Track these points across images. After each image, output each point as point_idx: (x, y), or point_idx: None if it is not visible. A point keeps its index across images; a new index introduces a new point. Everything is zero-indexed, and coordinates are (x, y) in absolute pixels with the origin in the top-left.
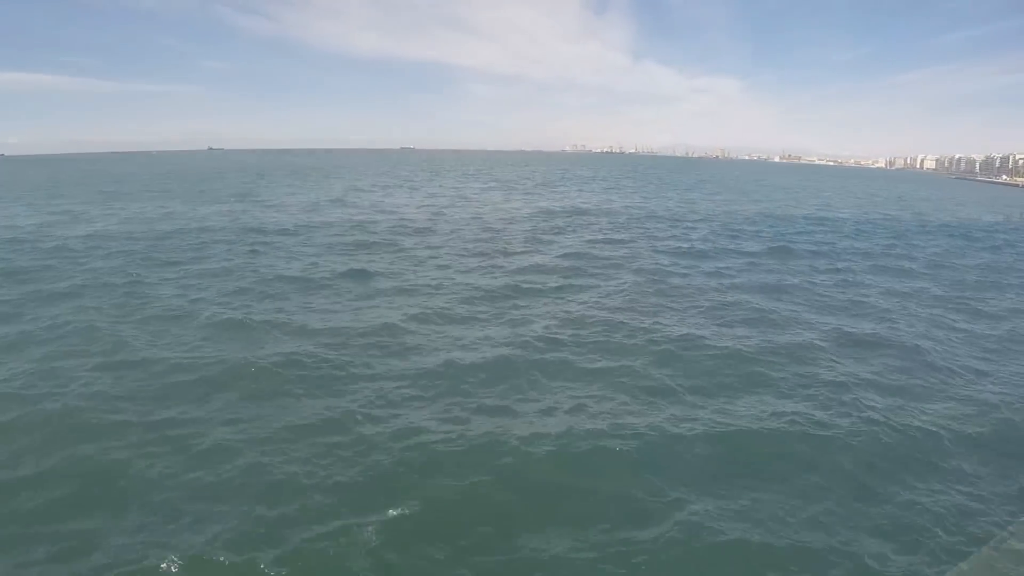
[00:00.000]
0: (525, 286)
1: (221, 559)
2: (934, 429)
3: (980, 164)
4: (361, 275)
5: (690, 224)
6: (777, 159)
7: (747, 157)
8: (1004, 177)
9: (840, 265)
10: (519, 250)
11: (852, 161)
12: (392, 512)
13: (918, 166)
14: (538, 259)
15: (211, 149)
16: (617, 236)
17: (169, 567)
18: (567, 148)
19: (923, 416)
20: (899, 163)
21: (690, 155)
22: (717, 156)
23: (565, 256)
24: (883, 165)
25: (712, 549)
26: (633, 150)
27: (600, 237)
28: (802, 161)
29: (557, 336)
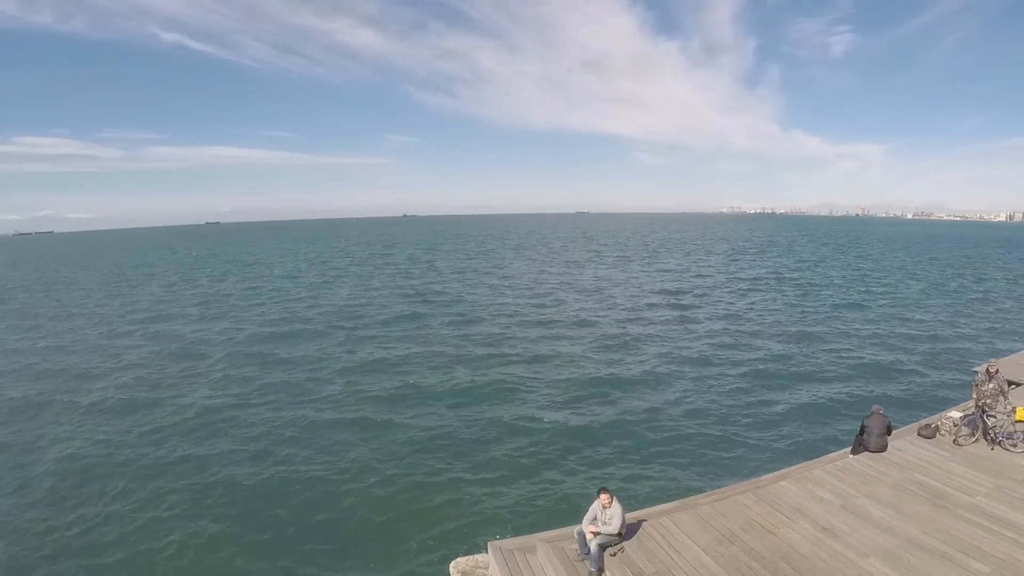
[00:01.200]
0: None
1: None
2: None
3: None
4: None
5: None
6: (910, 216)
7: (884, 215)
8: None
9: None
10: None
11: (977, 216)
12: None
13: None
14: None
15: (406, 216)
16: None
17: None
18: (724, 210)
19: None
20: (1018, 216)
21: (833, 214)
22: (857, 214)
23: None
24: (1004, 219)
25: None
26: (784, 211)
27: None
28: (932, 218)
29: None
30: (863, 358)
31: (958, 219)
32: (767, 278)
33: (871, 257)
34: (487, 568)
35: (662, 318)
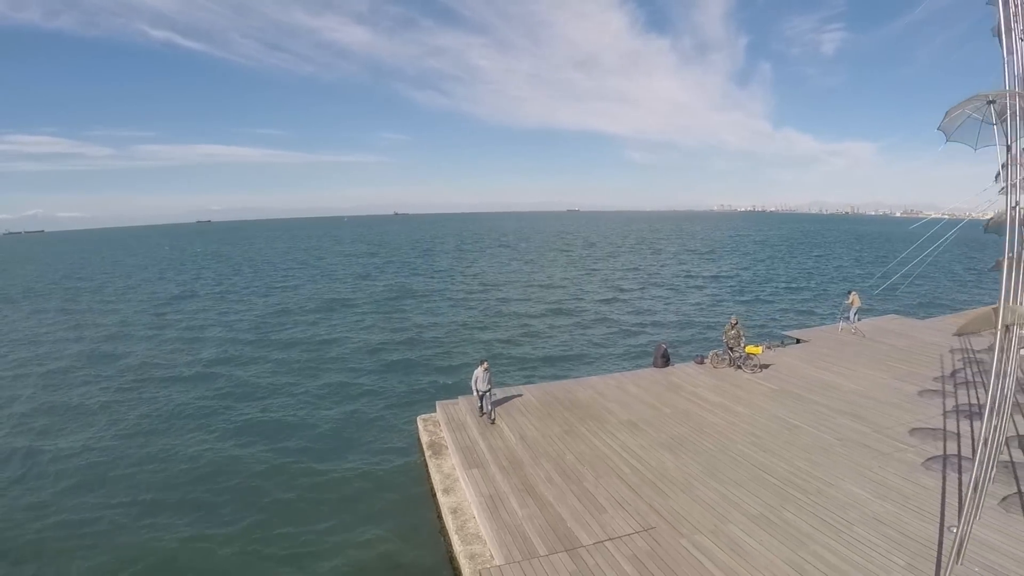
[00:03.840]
0: None
1: None
2: None
3: None
4: None
5: None
6: (899, 214)
7: (873, 213)
8: None
9: None
10: None
11: (967, 215)
12: None
13: None
14: None
15: (397, 214)
16: None
17: None
18: (715, 208)
19: None
20: None
21: (823, 212)
22: (847, 212)
23: None
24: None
25: None
26: (774, 209)
27: None
28: (920, 216)
29: None
30: (703, 322)
31: (947, 217)
32: (692, 275)
33: (813, 255)
34: (436, 418)
35: (588, 295)
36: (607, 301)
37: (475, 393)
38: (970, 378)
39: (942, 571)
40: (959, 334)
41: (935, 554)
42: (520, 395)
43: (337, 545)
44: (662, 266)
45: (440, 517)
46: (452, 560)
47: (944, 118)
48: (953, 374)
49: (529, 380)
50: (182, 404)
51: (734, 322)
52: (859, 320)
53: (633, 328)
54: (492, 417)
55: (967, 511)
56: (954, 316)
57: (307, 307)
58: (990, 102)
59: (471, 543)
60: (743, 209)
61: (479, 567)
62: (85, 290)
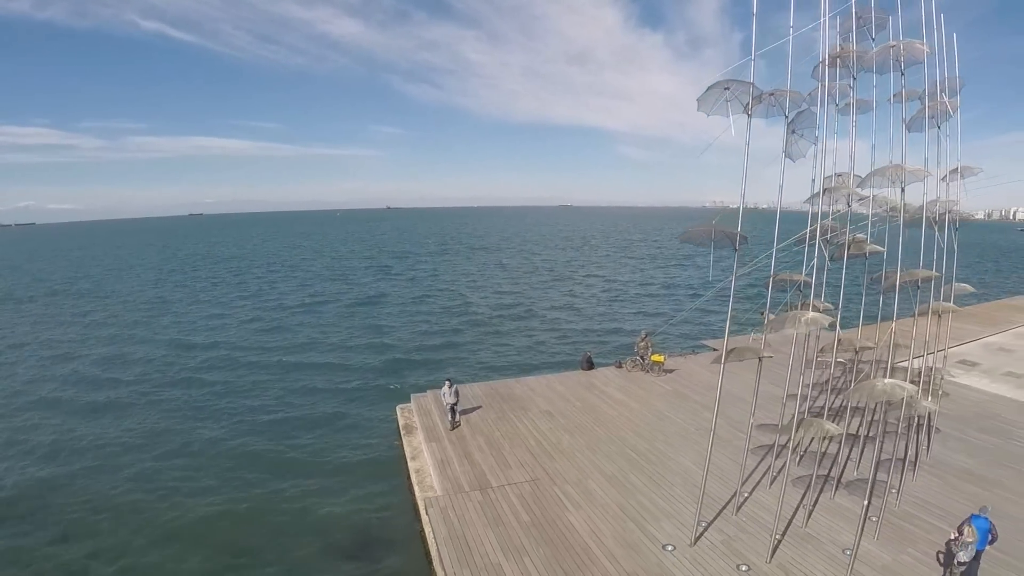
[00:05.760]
0: None
1: None
2: None
3: None
4: None
5: None
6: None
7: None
8: None
9: None
10: None
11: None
12: None
13: (1011, 218)
14: None
15: (389, 208)
16: None
17: None
18: (707, 204)
19: None
20: (996, 215)
21: (814, 208)
22: (836, 210)
23: None
24: (982, 217)
25: None
26: (766, 206)
27: None
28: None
29: None
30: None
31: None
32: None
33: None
34: (411, 407)
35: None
36: (562, 308)
37: (446, 406)
38: (838, 385)
39: (718, 517)
40: (715, 362)
41: (721, 507)
42: (472, 390)
43: (333, 493)
44: (630, 272)
45: (408, 477)
46: (414, 505)
47: (698, 105)
48: (826, 382)
49: (483, 378)
50: (194, 400)
51: (644, 335)
52: (772, 332)
53: (575, 336)
54: (457, 423)
55: (740, 481)
56: (868, 328)
57: (303, 315)
58: (725, 88)
59: (426, 491)
60: (736, 206)
61: (426, 500)
62: (90, 293)
